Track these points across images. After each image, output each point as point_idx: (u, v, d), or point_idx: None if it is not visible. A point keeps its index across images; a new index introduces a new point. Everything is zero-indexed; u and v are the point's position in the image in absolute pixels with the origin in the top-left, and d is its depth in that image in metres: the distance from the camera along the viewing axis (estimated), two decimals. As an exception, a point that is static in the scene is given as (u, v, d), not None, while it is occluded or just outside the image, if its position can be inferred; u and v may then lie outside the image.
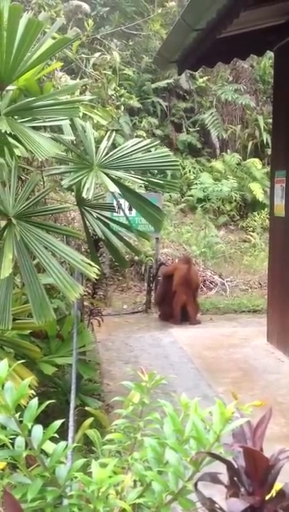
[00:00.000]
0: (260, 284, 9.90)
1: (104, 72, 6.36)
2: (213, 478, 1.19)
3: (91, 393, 4.60)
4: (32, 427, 1.32)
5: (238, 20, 4.74)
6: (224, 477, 1.22)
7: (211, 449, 1.18)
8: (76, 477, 1.26)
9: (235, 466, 1.18)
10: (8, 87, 3.58)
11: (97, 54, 6.98)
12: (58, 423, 1.34)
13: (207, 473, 1.20)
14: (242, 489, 1.16)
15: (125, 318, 8.25)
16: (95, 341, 6.25)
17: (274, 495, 1.16)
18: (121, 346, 6.84)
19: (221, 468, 1.24)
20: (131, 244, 4.80)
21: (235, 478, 1.18)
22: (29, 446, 1.30)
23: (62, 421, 1.35)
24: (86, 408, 2.62)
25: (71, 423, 2.67)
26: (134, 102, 9.70)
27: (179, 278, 7.91)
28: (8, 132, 3.15)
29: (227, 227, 12.14)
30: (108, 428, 1.75)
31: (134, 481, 1.33)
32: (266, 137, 12.73)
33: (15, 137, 3.38)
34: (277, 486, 1.19)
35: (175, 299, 7.89)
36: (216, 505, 1.16)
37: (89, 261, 3.34)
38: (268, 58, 12.15)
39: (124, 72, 11.51)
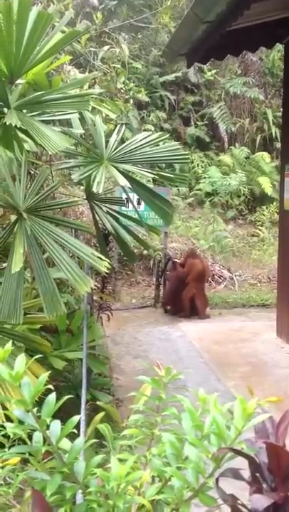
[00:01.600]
0: (269, 278, 9.87)
1: (114, 65, 6.33)
2: (235, 474, 1.18)
3: (101, 387, 4.61)
4: (50, 422, 1.31)
5: (248, 13, 4.70)
6: (245, 473, 1.21)
7: (233, 445, 1.16)
8: (95, 473, 1.25)
9: (258, 462, 1.17)
10: (18, 81, 3.57)
11: (106, 47, 6.94)
12: (76, 418, 1.33)
13: (229, 469, 1.18)
14: (264, 485, 1.15)
15: (134, 313, 8.25)
16: (104, 336, 6.26)
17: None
18: (130, 341, 6.84)
19: (239, 465, 1.23)
20: (141, 239, 4.78)
21: (257, 475, 1.16)
22: (47, 442, 1.29)
23: (79, 417, 1.34)
24: (97, 403, 2.61)
25: (83, 417, 2.66)
26: (143, 96, 9.65)
27: (198, 273, 7.98)
28: (18, 126, 3.13)
29: (235, 221, 12.09)
30: (121, 423, 1.74)
31: (152, 477, 1.31)
32: (275, 131, 12.65)
33: (25, 131, 3.37)
34: (299, 481, 1.18)
35: (185, 293, 7.88)
36: (238, 502, 1.15)
37: (99, 255, 3.32)
38: (277, 51, 12.06)
39: (133, 65, 11.46)
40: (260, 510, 1.09)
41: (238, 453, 1.14)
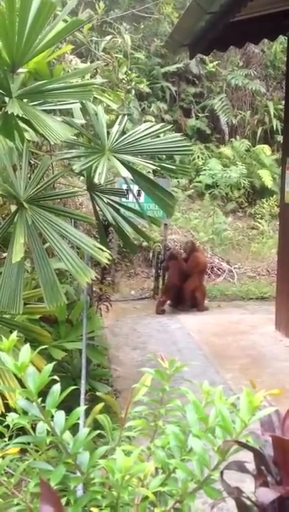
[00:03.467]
0: (268, 271, 9.87)
1: (115, 55, 6.29)
2: (241, 467, 1.18)
3: (100, 378, 4.61)
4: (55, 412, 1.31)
5: (251, 4, 4.68)
6: (250, 466, 1.21)
7: (238, 438, 1.16)
8: (98, 464, 1.25)
9: (264, 455, 1.17)
10: (19, 70, 3.54)
11: (108, 37, 6.90)
12: (80, 409, 1.32)
13: (234, 462, 1.18)
14: (269, 478, 1.15)
15: (133, 304, 8.25)
16: (103, 327, 6.26)
17: (300, 485, 1.15)
18: (128, 332, 6.84)
19: (244, 458, 1.23)
20: (141, 230, 4.77)
21: (262, 467, 1.16)
22: (51, 432, 1.29)
23: (83, 408, 1.33)
24: (97, 393, 2.61)
25: (82, 408, 2.66)
26: (144, 87, 9.61)
27: (203, 266, 8.06)
28: (20, 115, 3.11)
29: (235, 213, 12.07)
30: (119, 414, 1.74)
31: (156, 469, 1.31)
32: (276, 123, 12.60)
33: (26, 121, 3.35)
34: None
35: (187, 285, 7.87)
36: (244, 495, 1.14)
37: (100, 246, 3.32)
38: (279, 43, 11.98)
39: (135, 55, 11.39)
40: (266, 503, 1.09)
41: (244, 446, 1.14)
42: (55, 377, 1.37)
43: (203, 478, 1.18)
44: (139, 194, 7.09)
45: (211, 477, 1.19)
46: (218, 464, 1.20)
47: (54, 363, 1.42)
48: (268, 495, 1.08)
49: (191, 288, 7.90)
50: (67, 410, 1.46)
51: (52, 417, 1.29)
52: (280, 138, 11.54)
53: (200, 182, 11.97)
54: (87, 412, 2.16)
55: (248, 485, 1.31)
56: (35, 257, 3.21)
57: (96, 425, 1.78)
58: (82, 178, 5.14)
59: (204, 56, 11.39)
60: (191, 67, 12.76)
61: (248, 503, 1.12)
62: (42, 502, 0.74)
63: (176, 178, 10.79)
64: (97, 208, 4.16)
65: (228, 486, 1.14)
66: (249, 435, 1.16)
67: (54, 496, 0.76)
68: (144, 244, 9.19)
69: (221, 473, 1.18)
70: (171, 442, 1.25)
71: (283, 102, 8.83)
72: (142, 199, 7.27)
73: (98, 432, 1.43)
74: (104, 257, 3.24)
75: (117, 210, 4.25)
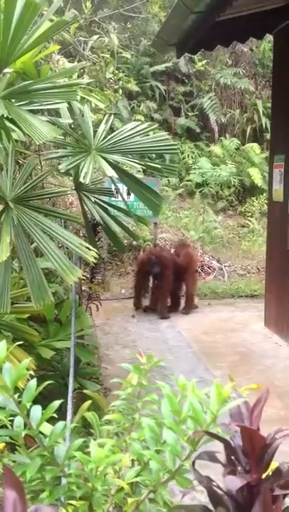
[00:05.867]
0: (258, 269, 9.93)
1: (103, 55, 6.30)
2: (211, 457, 1.21)
3: (89, 377, 4.63)
4: (31, 407, 1.33)
5: (237, 3, 4.71)
6: (221, 457, 1.24)
7: (208, 429, 1.19)
8: (75, 456, 1.27)
9: (233, 445, 1.20)
10: (5, 70, 3.55)
11: (95, 37, 6.91)
12: (56, 403, 1.35)
13: (205, 452, 1.21)
14: (239, 468, 1.18)
15: (123, 303, 8.27)
16: (94, 326, 6.28)
17: (270, 474, 1.18)
18: (119, 331, 6.87)
19: (217, 449, 1.26)
20: (129, 229, 4.79)
21: (232, 457, 1.19)
22: (28, 427, 1.31)
23: (61, 401, 1.36)
24: (84, 391, 2.63)
25: (69, 405, 2.69)
26: (133, 86, 9.62)
27: (195, 263, 8.06)
28: (5, 116, 3.13)
29: (225, 212, 12.13)
30: (106, 410, 1.77)
31: (132, 461, 1.34)
32: (265, 122, 12.67)
33: (12, 121, 3.36)
34: (274, 465, 1.21)
35: (186, 284, 7.79)
36: (214, 483, 1.17)
37: (87, 244, 3.33)
38: (268, 42, 12.04)
39: (123, 55, 11.41)
40: (233, 490, 1.12)
41: (214, 436, 1.17)
42: (31, 372, 1.39)
43: (175, 469, 1.21)
44: (129, 193, 7.11)
45: (183, 467, 1.22)
46: (189, 455, 1.23)
47: (31, 358, 1.44)
48: (235, 482, 1.10)
49: (190, 286, 7.81)
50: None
51: (28, 412, 1.32)
52: (269, 136, 11.59)
53: (190, 181, 12.02)
54: (76, 411, 2.18)
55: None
56: (22, 256, 3.23)
57: (86, 423, 1.81)
58: (72, 177, 5.16)
59: (192, 55, 11.43)
60: (180, 66, 12.80)
61: (219, 491, 1.15)
62: (5, 487, 0.76)
63: (166, 177, 10.82)
64: (85, 208, 4.18)
65: (200, 476, 1.17)
66: (218, 426, 1.19)
67: (16, 480, 0.79)
68: (135, 243, 9.22)
69: (193, 463, 1.21)
70: (147, 434, 1.28)
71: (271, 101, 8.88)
72: (132, 198, 7.29)
73: (77, 425, 1.45)
74: (91, 255, 3.26)
75: (105, 210, 4.27)
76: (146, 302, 8.00)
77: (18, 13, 3.21)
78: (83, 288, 5.67)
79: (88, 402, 1.94)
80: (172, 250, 8.46)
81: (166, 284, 7.59)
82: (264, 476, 1.16)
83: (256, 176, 12.01)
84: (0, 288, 3.13)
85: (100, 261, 6.37)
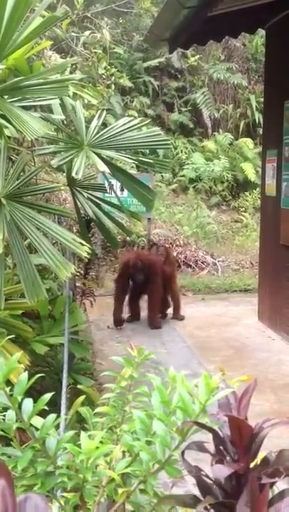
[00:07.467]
0: (251, 263, 9.96)
1: (95, 50, 6.30)
2: (200, 447, 1.23)
3: (83, 372, 4.64)
4: (22, 400, 1.35)
5: (228, -2, 4.71)
6: (210, 447, 1.26)
7: (197, 419, 1.21)
8: (66, 448, 1.29)
9: (221, 435, 1.22)
10: (-3, 66, 3.55)
11: (87, 32, 6.90)
12: (48, 396, 1.37)
13: (193, 442, 1.23)
14: (227, 457, 1.20)
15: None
16: (88, 321, 6.29)
17: (258, 463, 1.20)
18: (113, 326, 6.87)
19: (207, 440, 1.28)
20: (122, 225, 4.81)
21: (220, 447, 1.21)
22: (19, 419, 1.33)
23: (52, 393, 1.38)
24: (78, 386, 2.65)
25: (63, 401, 2.70)
26: (126, 81, 9.61)
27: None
28: (-4, 112, 3.13)
29: (219, 207, 12.15)
30: (98, 402, 1.79)
31: (123, 452, 1.36)
32: (258, 116, 12.69)
33: (4, 117, 3.36)
34: (262, 455, 1.23)
35: (172, 290, 7.23)
36: (202, 473, 1.19)
37: (80, 240, 3.35)
38: (260, 37, 12.05)
39: (115, 50, 11.40)
40: (221, 479, 1.14)
41: (202, 426, 1.19)
42: (22, 365, 1.40)
43: (165, 459, 1.23)
44: (122, 189, 7.11)
45: (172, 457, 1.24)
46: (178, 445, 1.25)
47: (21, 353, 1.45)
48: (222, 471, 1.12)
49: (176, 291, 7.30)
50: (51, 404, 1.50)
51: (20, 405, 1.33)
52: (262, 131, 11.62)
53: (184, 176, 12.03)
54: (70, 406, 2.20)
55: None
56: (15, 252, 3.24)
57: (80, 418, 1.82)
58: (65, 174, 5.17)
59: (185, 50, 11.42)
60: (173, 62, 12.79)
61: (208, 480, 1.17)
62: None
63: (160, 172, 10.83)
64: (78, 204, 4.19)
65: (189, 465, 1.19)
66: (207, 416, 1.21)
67: (5, 469, 0.81)
68: (128, 238, 9.23)
69: (182, 453, 1.23)
70: (137, 426, 1.30)
71: (263, 95, 8.89)
72: (125, 194, 7.29)
73: (69, 417, 1.47)
74: (83, 251, 3.28)
75: (98, 205, 4.28)
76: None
77: (10, 9, 3.22)
78: (77, 284, 5.68)
79: (82, 397, 1.96)
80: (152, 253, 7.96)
81: (156, 293, 6.89)
82: (252, 465, 1.19)
83: (249, 171, 12.04)
84: (-7, 284, 3.14)
85: (94, 257, 6.36)
